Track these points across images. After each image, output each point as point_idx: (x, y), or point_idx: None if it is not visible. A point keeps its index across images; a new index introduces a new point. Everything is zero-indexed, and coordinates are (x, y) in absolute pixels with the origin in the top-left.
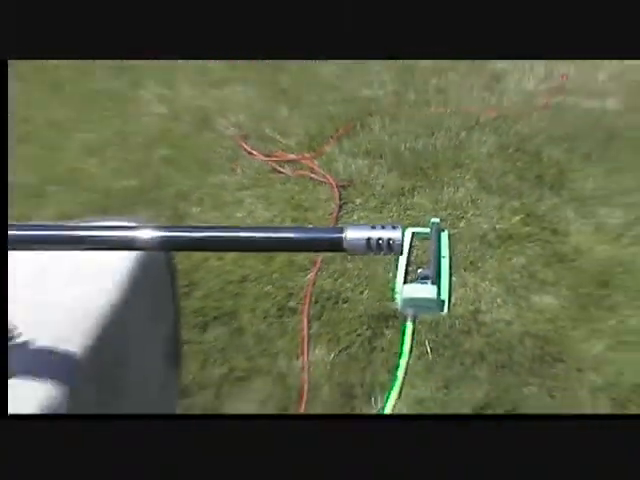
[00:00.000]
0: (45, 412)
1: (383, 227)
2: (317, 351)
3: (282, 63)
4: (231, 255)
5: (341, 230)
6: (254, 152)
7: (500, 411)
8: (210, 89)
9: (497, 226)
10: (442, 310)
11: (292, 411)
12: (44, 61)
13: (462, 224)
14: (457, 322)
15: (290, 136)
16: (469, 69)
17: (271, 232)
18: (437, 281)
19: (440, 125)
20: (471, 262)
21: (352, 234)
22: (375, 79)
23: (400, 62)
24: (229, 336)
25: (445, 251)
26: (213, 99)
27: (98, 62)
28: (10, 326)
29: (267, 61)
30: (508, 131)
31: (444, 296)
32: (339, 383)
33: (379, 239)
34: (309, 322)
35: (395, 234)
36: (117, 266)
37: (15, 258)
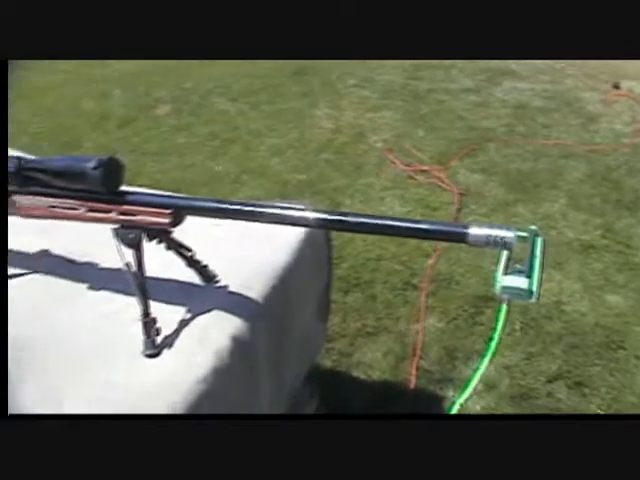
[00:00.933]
0: (235, 340)
1: (500, 227)
2: (430, 320)
3: (423, 96)
4: (372, 238)
5: (467, 226)
6: (396, 162)
7: (570, 382)
8: (366, 112)
9: (581, 237)
10: (531, 298)
11: (407, 363)
12: (248, 86)
13: (554, 232)
14: (542, 309)
15: (424, 152)
16: (571, 111)
17: (412, 222)
18: (530, 275)
19: (542, 153)
20: (558, 263)
21: (475, 230)
22: (494, 113)
23: (515, 101)
24: (364, 300)
25: (538, 252)
26: (368, 120)
27: (290, 89)
28: (212, 274)
29: (410, 93)
30: (597, 162)
31: (534, 288)
32: (445, 346)
33: (496, 236)
34: (426, 296)
35: (510, 234)
36: (291, 237)
37: (217, 223)
